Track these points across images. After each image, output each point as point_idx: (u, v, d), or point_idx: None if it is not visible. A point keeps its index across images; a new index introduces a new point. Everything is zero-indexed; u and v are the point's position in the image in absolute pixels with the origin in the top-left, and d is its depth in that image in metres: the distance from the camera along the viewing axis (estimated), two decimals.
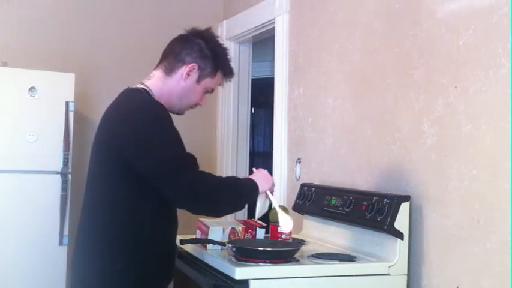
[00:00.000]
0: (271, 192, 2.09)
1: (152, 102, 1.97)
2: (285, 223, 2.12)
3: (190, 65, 2.02)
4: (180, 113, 2.11)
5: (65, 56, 3.82)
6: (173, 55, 2.05)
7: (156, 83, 2.04)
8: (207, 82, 2.07)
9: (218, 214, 2.07)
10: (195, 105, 2.12)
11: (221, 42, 2.14)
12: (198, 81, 2.05)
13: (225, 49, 2.13)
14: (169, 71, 2.04)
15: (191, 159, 1.90)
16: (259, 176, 2.08)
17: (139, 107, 1.95)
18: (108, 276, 1.92)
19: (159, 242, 1.97)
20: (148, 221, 1.93)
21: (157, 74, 2.06)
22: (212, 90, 2.13)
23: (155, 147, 1.87)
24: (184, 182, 1.84)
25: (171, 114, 1.97)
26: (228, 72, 2.13)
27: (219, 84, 2.15)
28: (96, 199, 1.99)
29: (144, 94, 1.99)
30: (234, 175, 1.95)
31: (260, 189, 2.03)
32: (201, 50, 2.04)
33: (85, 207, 2.02)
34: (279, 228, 2.24)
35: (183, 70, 2.02)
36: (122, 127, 1.91)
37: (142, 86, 2.03)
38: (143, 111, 1.93)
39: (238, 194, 2.00)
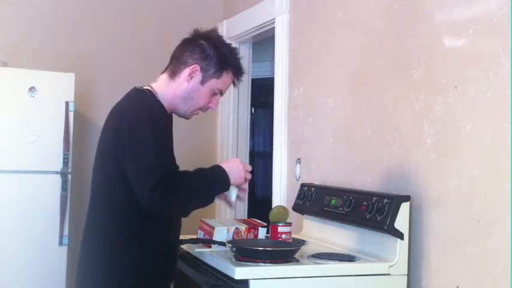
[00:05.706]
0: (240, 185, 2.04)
1: (152, 102, 1.97)
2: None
3: (192, 67, 2.01)
4: (186, 116, 2.09)
5: (65, 56, 3.82)
6: (176, 58, 2.06)
7: (161, 85, 2.05)
8: (213, 83, 2.04)
9: (185, 216, 2.04)
10: (206, 108, 2.10)
11: (227, 42, 2.10)
12: (202, 82, 2.03)
13: (231, 48, 2.11)
14: (173, 74, 2.04)
15: (168, 170, 1.86)
16: (233, 169, 2.01)
17: (138, 107, 1.95)
18: (109, 276, 1.95)
19: (158, 241, 1.98)
20: (146, 220, 1.94)
21: (163, 77, 2.07)
22: (221, 92, 2.08)
23: (140, 154, 1.86)
24: (155, 196, 1.81)
25: (178, 117, 1.95)
26: (236, 72, 2.10)
27: (231, 85, 2.12)
28: (97, 198, 2.02)
29: (146, 95, 2.00)
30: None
31: (231, 182, 2.00)
32: (203, 51, 2.02)
33: (89, 208, 2.04)
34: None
35: (186, 72, 2.02)
36: (119, 128, 1.92)
37: (148, 87, 2.04)
38: (141, 111, 1.93)
39: (206, 194, 1.97)
